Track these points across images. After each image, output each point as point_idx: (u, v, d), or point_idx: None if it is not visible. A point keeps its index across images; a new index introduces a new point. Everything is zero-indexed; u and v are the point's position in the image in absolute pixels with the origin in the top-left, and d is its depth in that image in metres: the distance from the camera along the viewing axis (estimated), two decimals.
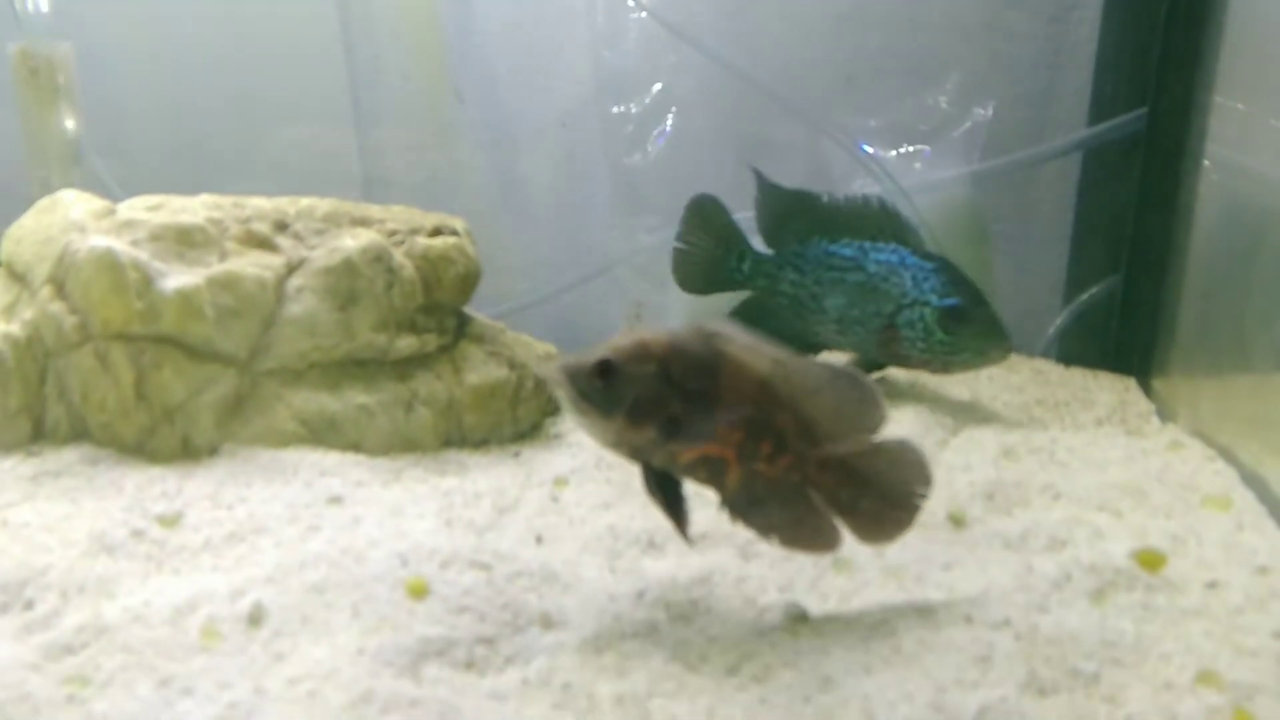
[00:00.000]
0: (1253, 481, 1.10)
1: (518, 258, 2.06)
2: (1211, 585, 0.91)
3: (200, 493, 1.03)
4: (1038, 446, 1.22)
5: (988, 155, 1.74)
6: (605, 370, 0.83)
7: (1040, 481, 1.13)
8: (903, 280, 1.35)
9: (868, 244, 1.39)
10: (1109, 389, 1.43)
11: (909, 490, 0.89)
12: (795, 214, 1.46)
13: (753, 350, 0.87)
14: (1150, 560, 0.95)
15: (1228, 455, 1.17)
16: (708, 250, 1.50)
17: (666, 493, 0.89)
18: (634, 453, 0.87)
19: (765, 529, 0.89)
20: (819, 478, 0.88)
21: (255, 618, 0.85)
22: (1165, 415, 1.34)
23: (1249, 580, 0.92)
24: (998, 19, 1.81)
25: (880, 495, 0.89)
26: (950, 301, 1.32)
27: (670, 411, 0.85)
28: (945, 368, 1.34)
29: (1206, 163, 1.36)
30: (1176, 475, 1.13)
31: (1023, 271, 1.88)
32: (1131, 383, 1.44)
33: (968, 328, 1.31)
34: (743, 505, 0.88)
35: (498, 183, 2.05)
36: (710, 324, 0.88)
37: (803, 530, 0.89)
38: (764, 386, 0.86)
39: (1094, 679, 0.81)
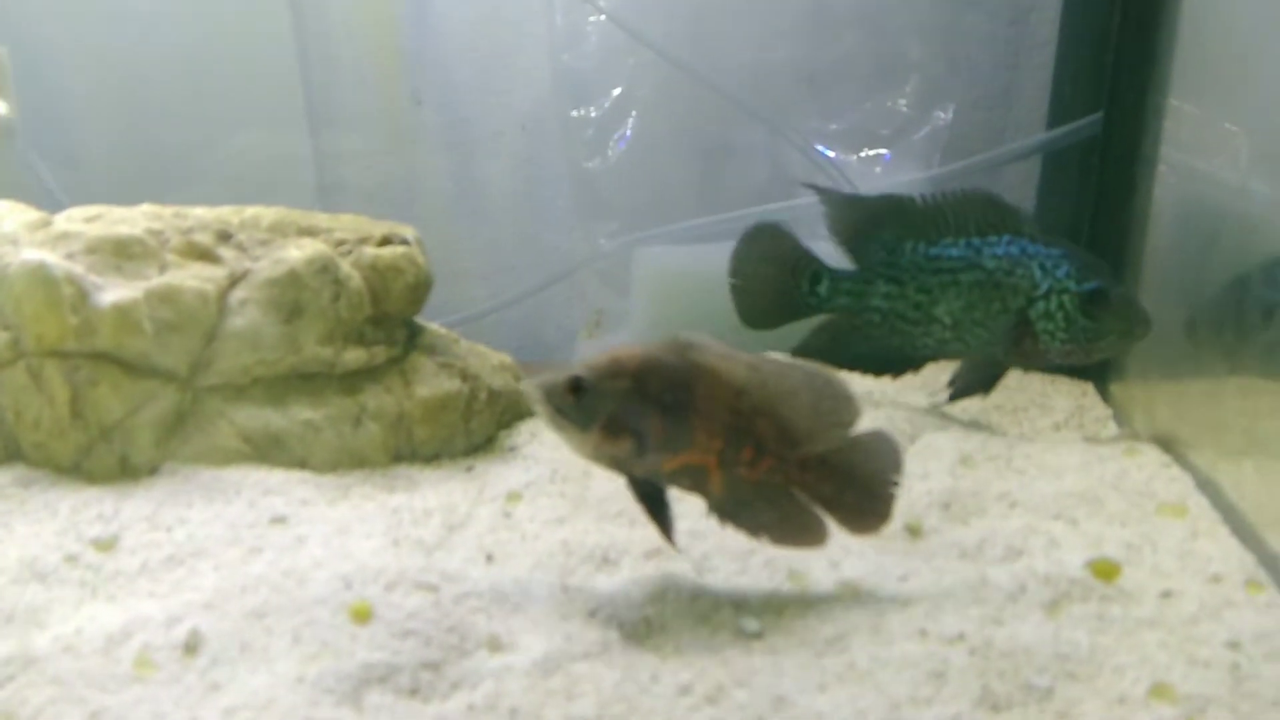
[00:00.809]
0: (1207, 487, 1.10)
1: (476, 263, 2.04)
2: (1166, 595, 0.91)
3: (138, 514, 1.00)
4: (995, 454, 1.21)
5: (948, 159, 1.73)
6: (577, 387, 0.87)
7: (997, 490, 1.12)
8: (1030, 271, 1.26)
9: (976, 240, 1.29)
10: (1066, 394, 1.43)
11: (885, 479, 0.92)
12: (881, 222, 1.34)
13: (727, 359, 0.90)
14: (1105, 570, 0.94)
15: (1183, 461, 1.17)
16: (774, 281, 1.37)
17: (651, 502, 0.93)
18: (614, 464, 0.91)
19: (754, 530, 0.92)
20: (801, 477, 0.91)
21: (192, 646, 0.82)
22: (1122, 420, 1.34)
23: (1203, 589, 0.92)
24: (957, 21, 1.81)
25: (861, 487, 0.91)
26: (1092, 285, 1.24)
27: (645, 425, 0.88)
28: (1088, 356, 1.27)
29: (1162, 166, 1.36)
30: (1132, 482, 1.13)
31: None
32: (1089, 387, 1.45)
33: (1111, 310, 1.24)
34: (730, 509, 0.92)
35: (456, 187, 2.02)
36: (684, 335, 0.91)
37: (790, 528, 0.92)
38: (740, 394, 0.89)
39: (1048, 694, 0.81)
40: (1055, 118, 1.66)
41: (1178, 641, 0.85)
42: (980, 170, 1.71)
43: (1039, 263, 1.26)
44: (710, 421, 0.89)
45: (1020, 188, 1.84)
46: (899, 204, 1.33)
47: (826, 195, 1.38)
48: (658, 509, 0.93)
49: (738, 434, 0.90)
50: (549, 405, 0.88)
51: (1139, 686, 0.80)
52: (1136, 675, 0.81)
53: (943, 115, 1.78)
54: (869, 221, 1.34)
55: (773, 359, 0.94)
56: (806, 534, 0.92)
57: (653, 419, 0.88)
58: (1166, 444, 1.21)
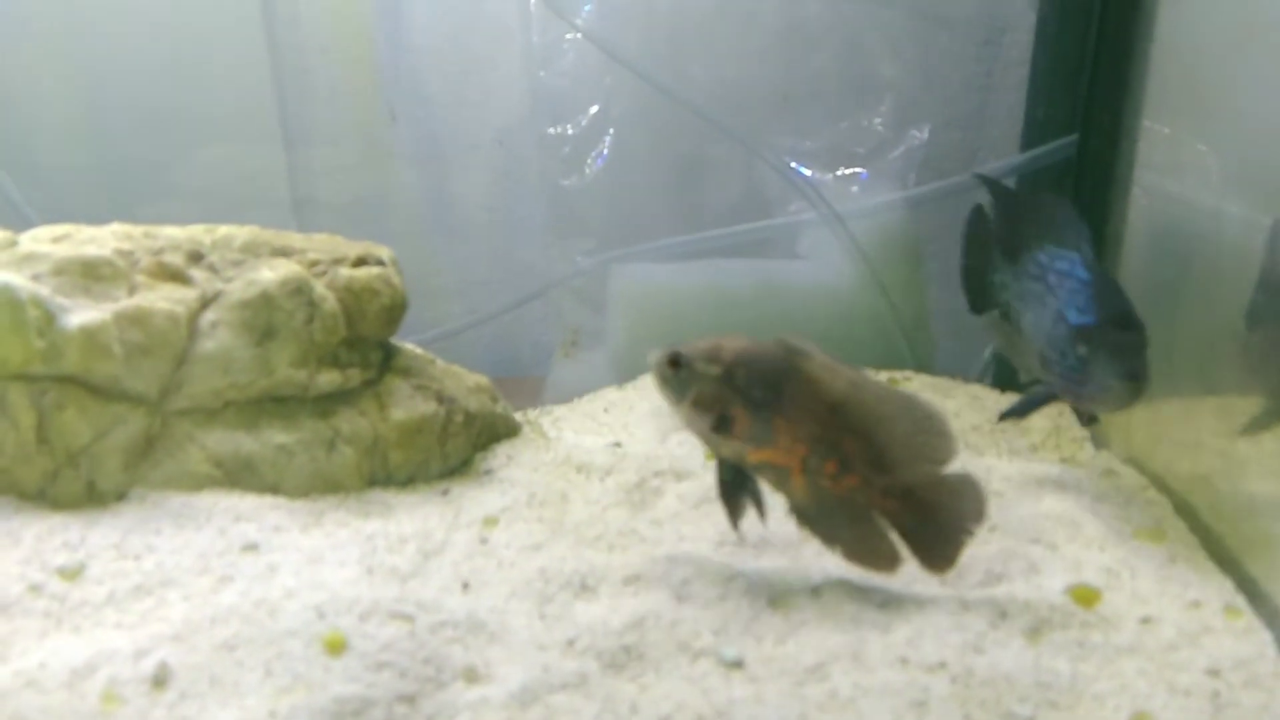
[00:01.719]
0: (1184, 511, 1.10)
1: (451, 280, 2.02)
2: (1145, 621, 0.91)
3: (105, 542, 0.97)
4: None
5: (923, 178, 1.74)
6: (674, 362, 0.97)
7: None
8: (1060, 292, 1.14)
9: (1055, 251, 1.17)
10: (1043, 415, 1.43)
11: (965, 524, 0.92)
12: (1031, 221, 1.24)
13: (830, 371, 0.92)
14: (1085, 596, 0.94)
15: (1160, 483, 1.17)
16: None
17: (726, 485, 0.99)
18: (703, 439, 0.98)
19: (830, 540, 0.95)
20: (883, 503, 0.92)
21: (160, 679, 0.80)
22: (1099, 442, 1.34)
23: (1182, 615, 0.92)
24: (931, 41, 1.82)
25: (941, 526, 0.92)
26: (1086, 319, 1.08)
27: (730, 412, 0.93)
28: (1077, 399, 1.12)
29: (1136, 188, 1.37)
30: (1110, 505, 1.13)
31: (958, 295, 1.89)
32: (1066, 408, 1.45)
33: (1099, 350, 1.05)
34: (810, 514, 0.95)
35: (431, 203, 2.01)
36: (796, 340, 0.95)
37: (865, 548, 0.93)
38: (835, 408, 0.92)
39: None
40: (1029, 138, 1.67)
41: (1157, 669, 0.85)
42: (955, 191, 1.71)
43: (1071, 285, 1.15)
44: (796, 426, 0.92)
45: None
46: (1038, 204, 1.26)
47: (995, 188, 1.31)
48: (730, 493, 0.98)
49: (824, 446, 0.92)
50: (658, 373, 0.98)
51: (1120, 715, 0.80)
52: (1117, 703, 0.81)
53: (918, 134, 1.79)
54: (1023, 220, 1.25)
55: (879, 381, 0.95)
56: (879, 559, 0.93)
57: (738, 409, 0.93)
58: (1143, 465, 1.22)
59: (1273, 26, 1.08)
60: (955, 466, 0.93)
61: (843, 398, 0.92)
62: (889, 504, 0.92)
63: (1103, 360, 1.05)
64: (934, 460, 0.91)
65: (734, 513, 0.98)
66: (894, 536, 0.93)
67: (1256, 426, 0.98)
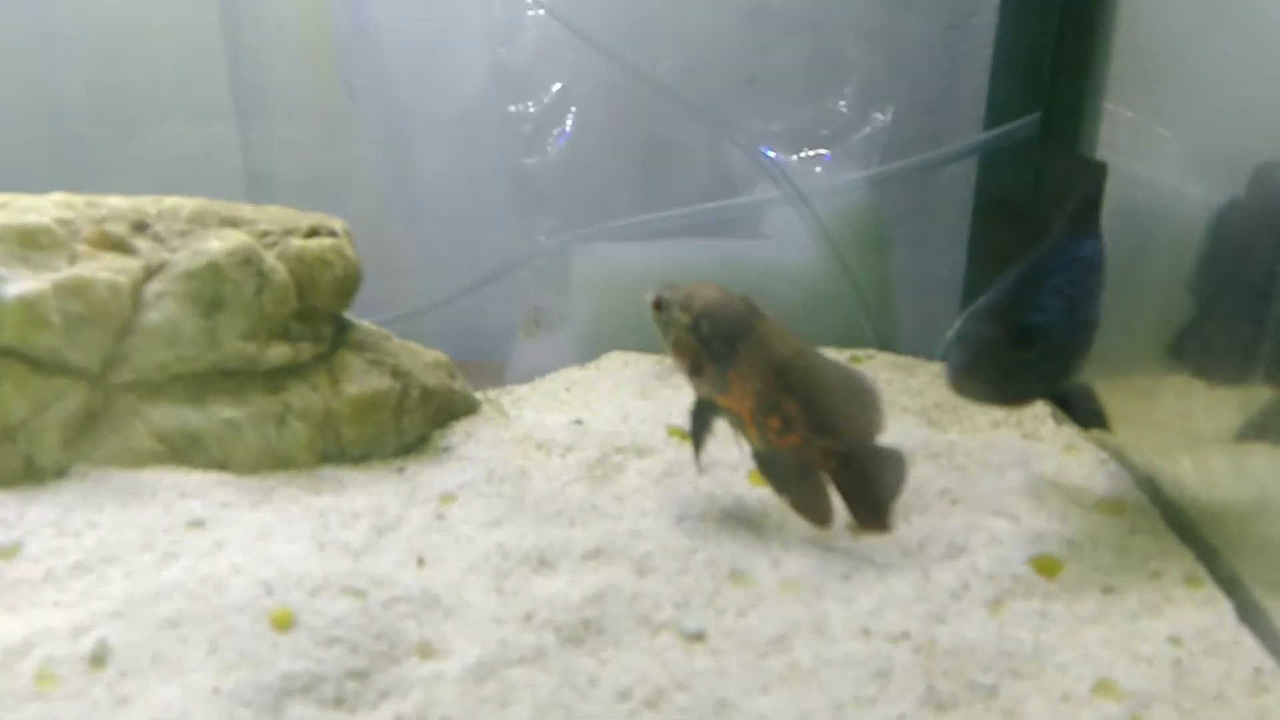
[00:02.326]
0: (1145, 484, 1.10)
1: (413, 260, 1.99)
2: (1107, 591, 0.91)
3: (44, 519, 0.94)
4: (936, 451, 1.21)
5: (886, 160, 1.74)
6: (657, 305, 1.06)
7: (938, 486, 1.11)
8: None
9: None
10: None
11: (891, 492, 0.98)
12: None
13: (778, 336, 1.00)
14: (1047, 566, 0.94)
15: (1120, 457, 1.17)
16: None
17: (695, 419, 1.06)
18: (684, 376, 1.06)
19: (779, 488, 1.01)
20: (824, 463, 0.99)
21: (99, 657, 0.77)
22: (1060, 418, 1.34)
23: (1143, 585, 0.92)
24: (896, 24, 1.81)
25: (871, 491, 0.98)
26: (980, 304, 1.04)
27: (696, 358, 1.02)
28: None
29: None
30: (1072, 478, 1.13)
31: (921, 275, 1.89)
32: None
33: (960, 334, 1.03)
34: (764, 462, 1.02)
35: (391, 182, 1.98)
36: (755, 300, 1.02)
37: (808, 501, 1.00)
38: (778, 370, 0.99)
39: (992, 692, 0.80)
40: (992, 121, 1.67)
41: (1120, 638, 0.85)
42: (919, 170, 1.71)
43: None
44: (745, 381, 1.00)
45: (956, 189, 1.86)
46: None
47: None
48: (696, 428, 1.05)
49: (767, 403, 0.99)
50: (650, 311, 1.06)
51: (1083, 684, 0.79)
52: (1080, 672, 0.81)
53: (881, 117, 1.78)
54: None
55: (823, 353, 1.01)
56: (817, 513, 1.00)
57: (702, 357, 1.02)
58: (1104, 440, 1.22)
59: (1235, 8, 1.08)
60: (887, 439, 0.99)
61: (786, 362, 0.99)
62: (829, 464, 0.98)
63: (956, 344, 1.01)
64: (866, 430, 0.98)
65: (697, 445, 1.06)
66: (834, 496, 1.00)
67: (1252, 431, 0.96)
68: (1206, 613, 0.87)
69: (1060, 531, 1.00)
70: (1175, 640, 0.83)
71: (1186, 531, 1.00)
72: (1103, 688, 0.79)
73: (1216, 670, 0.80)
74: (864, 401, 0.97)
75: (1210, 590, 0.91)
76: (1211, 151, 1.13)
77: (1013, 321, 0.97)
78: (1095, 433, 1.24)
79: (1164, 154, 1.25)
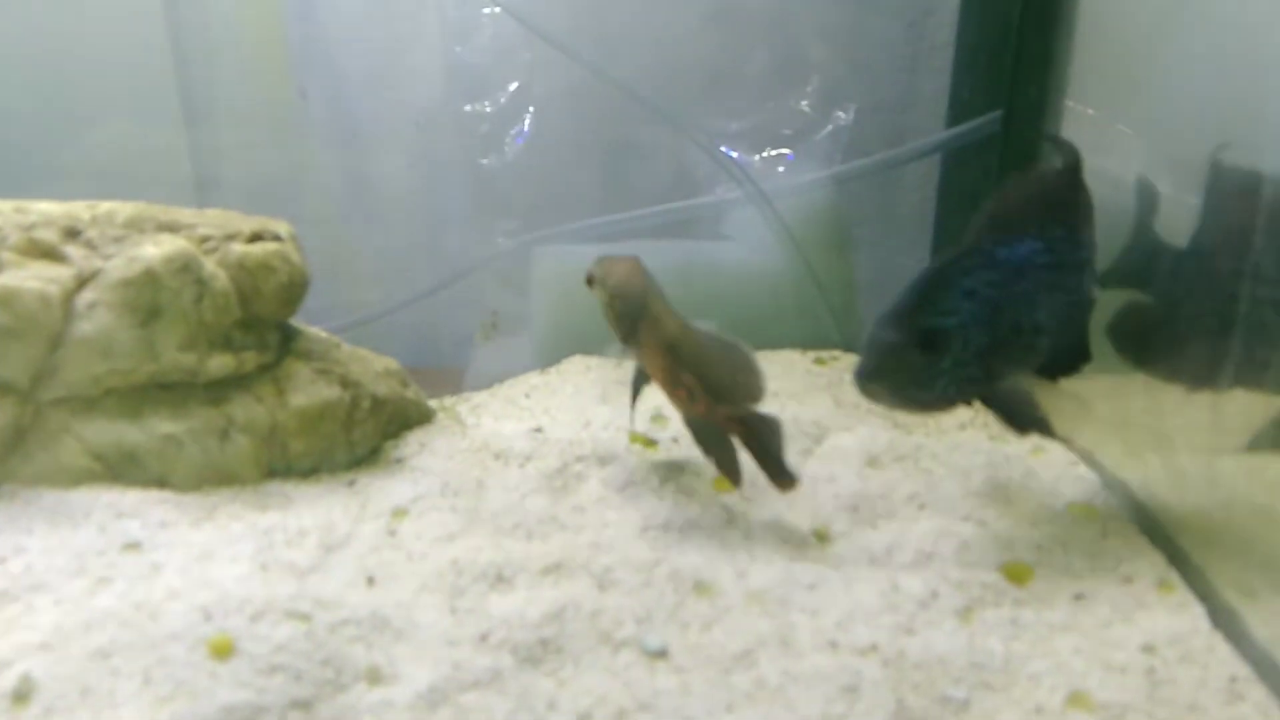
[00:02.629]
0: (1115, 486, 1.09)
1: (368, 264, 1.94)
2: (1078, 598, 0.89)
3: None
4: (902, 454, 1.18)
5: (848, 160, 1.72)
6: (589, 280, 1.13)
7: (905, 491, 1.09)
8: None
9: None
10: None
11: (779, 452, 1.03)
12: None
13: (666, 314, 1.08)
14: (1017, 573, 0.92)
15: (1090, 460, 1.16)
16: None
17: (634, 383, 1.16)
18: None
19: (706, 451, 1.07)
20: (729, 426, 1.04)
21: (22, 693, 0.73)
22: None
23: (1115, 591, 0.90)
24: (857, 23, 1.80)
25: (769, 452, 1.03)
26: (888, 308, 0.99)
27: (620, 329, 1.10)
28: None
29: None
30: (1040, 481, 1.11)
31: (884, 275, 1.88)
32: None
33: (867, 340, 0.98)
34: (691, 426, 1.08)
35: (345, 185, 1.93)
36: (648, 282, 1.10)
37: (726, 463, 1.05)
38: (671, 346, 1.06)
39: (964, 706, 0.77)
40: (954, 120, 1.66)
41: (1092, 646, 0.82)
42: (882, 169, 1.70)
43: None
44: (652, 355, 1.07)
45: (919, 188, 1.85)
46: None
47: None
48: (633, 392, 1.16)
49: (671, 375, 1.06)
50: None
51: (1056, 695, 0.77)
52: (1053, 683, 0.79)
53: (844, 116, 1.77)
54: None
55: (701, 329, 1.07)
56: (731, 474, 1.05)
57: (621, 328, 1.10)
58: (1072, 442, 1.20)
59: (1196, 6, 1.07)
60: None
61: (674, 339, 1.06)
62: (734, 428, 1.04)
63: (864, 348, 0.96)
64: (750, 397, 1.03)
65: (633, 402, 1.17)
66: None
67: (1265, 441, 0.93)
68: (1179, 618, 0.86)
69: (1030, 536, 0.98)
70: (1148, 648, 0.82)
71: (1157, 534, 0.98)
72: (1076, 699, 0.77)
73: (1191, 679, 0.78)
74: (746, 368, 1.04)
75: (1182, 594, 0.89)
76: (1174, 149, 1.12)
77: (916, 325, 0.94)
78: (1063, 436, 1.23)
79: (1125, 151, 1.23)
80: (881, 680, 0.79)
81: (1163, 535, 0.97)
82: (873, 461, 1.17)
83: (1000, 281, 0.96)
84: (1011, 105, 1.53)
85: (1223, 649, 0.82)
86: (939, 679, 0.79)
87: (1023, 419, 1.00)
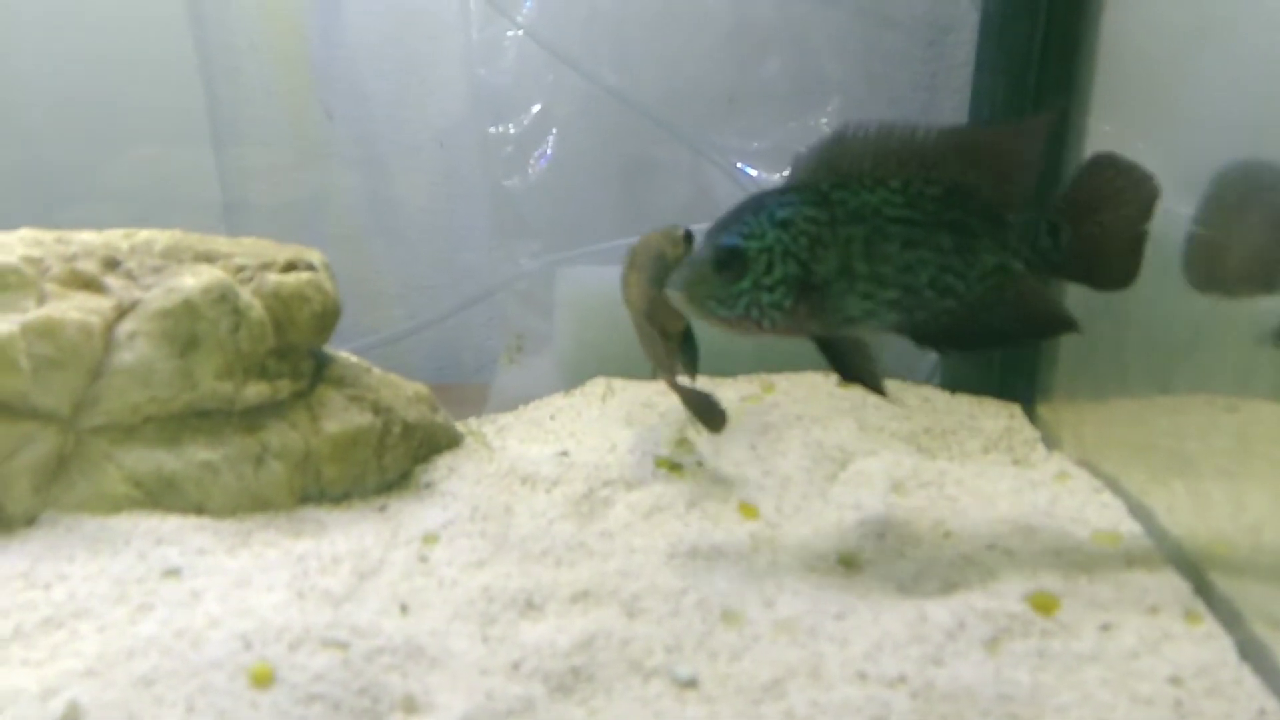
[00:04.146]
0: (1139, 513, 1.09)
1: (392, 284, 1.97)
2: (1105, 628, 0.89)
3: (12, 571, 0.91)
4: (927, 480, 1.19)
5: None
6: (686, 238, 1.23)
7: (931, 518, 1.10)
8: None
9: None
10: (994, 416, 1.42)
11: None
12: None
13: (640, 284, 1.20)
14: (1043, 603, 0.92)
15: (1114, 486, 1.16)
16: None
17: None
18: None
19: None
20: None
21: None
22: (1050, 443, 1.33)
23: (1141, 621, 0.90)
24: (876, 42, 1.81)
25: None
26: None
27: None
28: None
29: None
30: (1065, 508, 1.12)
31: None
32: (1016, 409, 1.44)
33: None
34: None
35: (370, 205, 1.95)
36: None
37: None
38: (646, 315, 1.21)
39: None
40: None
41: (1119, 678, 0.83)
42: None
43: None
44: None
45: None
46: None
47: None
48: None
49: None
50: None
51: None
52: (1080, 715, 0.79)
53: None
54: None
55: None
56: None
57: None
58: (1096, 468, 1.21)
59: (1223, 26, 1.08)
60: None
61: (646, 306, 1.21)
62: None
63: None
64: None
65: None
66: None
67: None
68: (1207, 650, 0.86)
69: (1055, 565, 0.99)
70: (1175, 680, 0.82)
71: (1184, 563, 0.98)
72: None
73: (1218, 712, 0.79)
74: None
75: (1210, 625, 0.90)
76: (1199, 171, 1.12)
77: (716, 242, 0.96)
78: (1087, 461, 1.23)
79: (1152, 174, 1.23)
80: (910, 712, 0.80)
81: (1189, 564, 0.98)
82: (898, 487, 1.18)
83: (827, 220, 0.96)
84: None
85: (1251, 682, 0.82)
86: (967, 711, 0.80)
87: (849, 369, 1.02)
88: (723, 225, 0.98)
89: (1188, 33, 1.15)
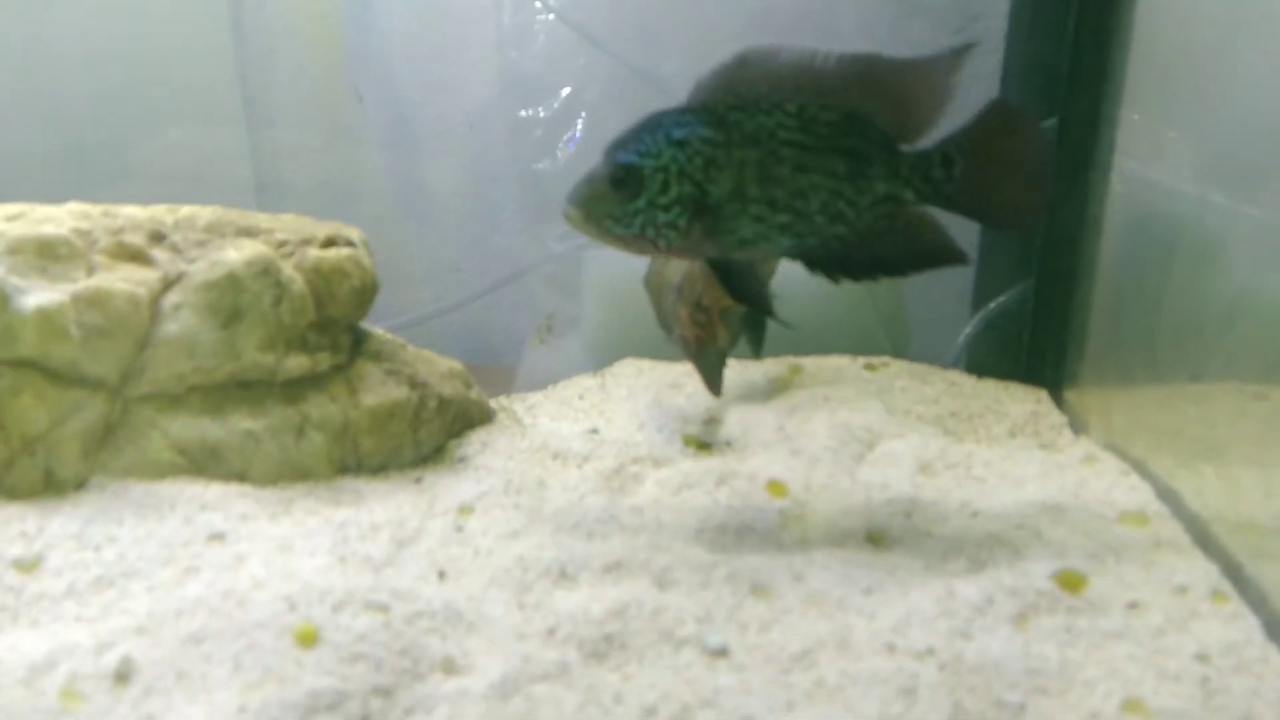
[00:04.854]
0: (1167, 496, 1.10)
1: (422, 266, 1.99)
2: (1132, 606, 0.90)
3: (64, 532, 0.93)
4: (954, 461, 1.20)
5: None
6: None
7: (958, 498, 1.11)
8: None
9: None
10: (1021, 400, 1.43)
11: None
12: None
13: None
14: (1071, 581, 0.93)
15: (1141, 469, 1.17)
16: None
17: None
18: None
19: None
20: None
21: (123, 674, 0.77)
22: (1077, 428, 1.34)
23: (1168, 600, 0.91)
24: (904, 27, 1.81)
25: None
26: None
27: None
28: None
29: (1115, 175, 1.37)
30: (1092, 491, 1.13)
31: (931, 280, 1.89)
32: (1043, 394, 1.45)
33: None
34: None
35: (399, 187, 1.97)
36: None
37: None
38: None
39: (1020, 710, 0.79)
40: None
41: (1147, 654, 0.84)
42: None
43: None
44: None
45: None
46: None
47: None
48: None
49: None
50: None
51: (1111, 701, 0.79)
52: (1108, 689, 0.80)
53: None
54: None
55: None
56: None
57: None
58: (1124, 452, 1.21)
59: (1260, 16, 1.08)
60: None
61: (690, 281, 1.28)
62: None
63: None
64: None
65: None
66: None
67: None
68: (1233, 629, 0.87)
69: (1083, 545, 1.00)
70: (1202, 657, 0.83)
71: (1211, 545, 0.99)
72: (1131, 706, 0.79)
73: (1245, 689, 0.80)
74: None
75: (1237, 605, 0.90)
76: (1234, 160, 1.12)
77: (611, 160, 0.96)
78: (1114, 445, 1.24)
79: (1185, 161, 1.24)
80: (938, 683, 0.81)
81: (1216, 546, 0.99)
82: (925, 468, 1.19)
83: (722, 142, 0.96)
84: (1066, 113, 1.53)
85: (1277, 660, 0.83)
86: (995, 683, 0.81)
87: (741, 291, 1.03)
88: (619, 144, 0.98)
89: (1225, 23, 1.15)
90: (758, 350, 1.38)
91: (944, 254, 1.02)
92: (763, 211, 0.97)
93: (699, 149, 0.96)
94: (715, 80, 0.97)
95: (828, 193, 0.97)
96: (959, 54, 0.98)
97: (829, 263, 1.00)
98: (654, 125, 0.97)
